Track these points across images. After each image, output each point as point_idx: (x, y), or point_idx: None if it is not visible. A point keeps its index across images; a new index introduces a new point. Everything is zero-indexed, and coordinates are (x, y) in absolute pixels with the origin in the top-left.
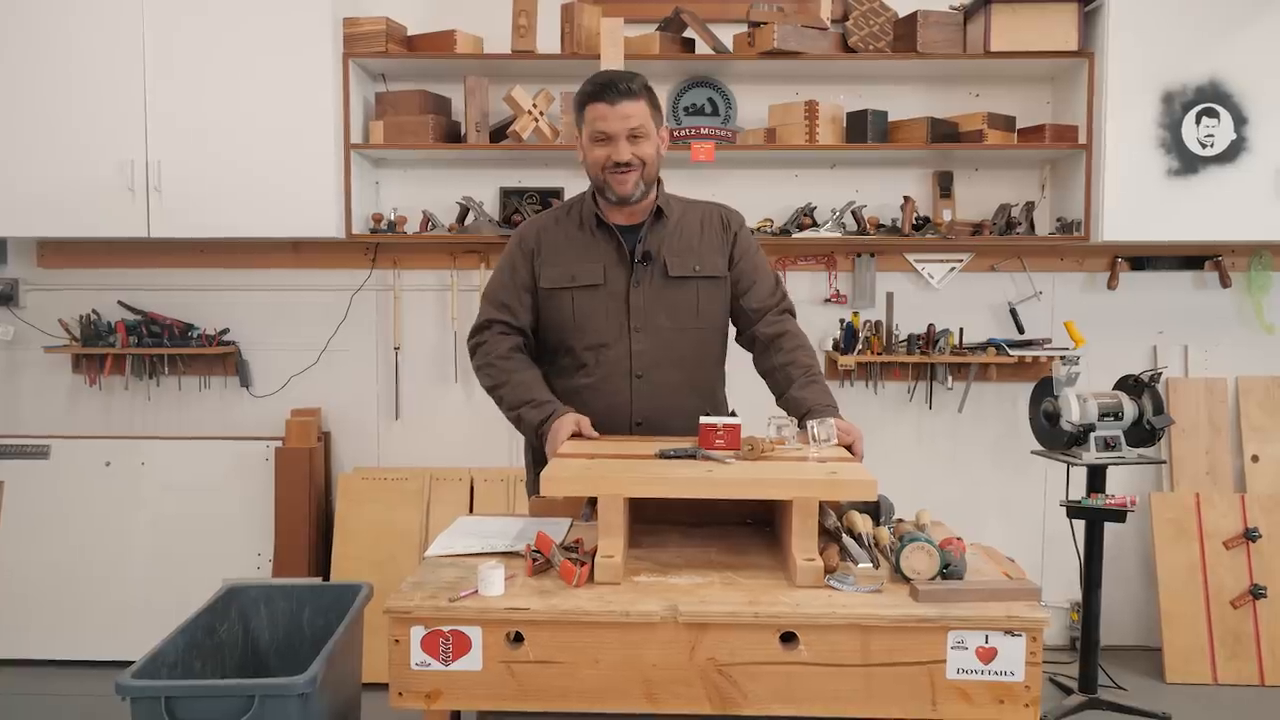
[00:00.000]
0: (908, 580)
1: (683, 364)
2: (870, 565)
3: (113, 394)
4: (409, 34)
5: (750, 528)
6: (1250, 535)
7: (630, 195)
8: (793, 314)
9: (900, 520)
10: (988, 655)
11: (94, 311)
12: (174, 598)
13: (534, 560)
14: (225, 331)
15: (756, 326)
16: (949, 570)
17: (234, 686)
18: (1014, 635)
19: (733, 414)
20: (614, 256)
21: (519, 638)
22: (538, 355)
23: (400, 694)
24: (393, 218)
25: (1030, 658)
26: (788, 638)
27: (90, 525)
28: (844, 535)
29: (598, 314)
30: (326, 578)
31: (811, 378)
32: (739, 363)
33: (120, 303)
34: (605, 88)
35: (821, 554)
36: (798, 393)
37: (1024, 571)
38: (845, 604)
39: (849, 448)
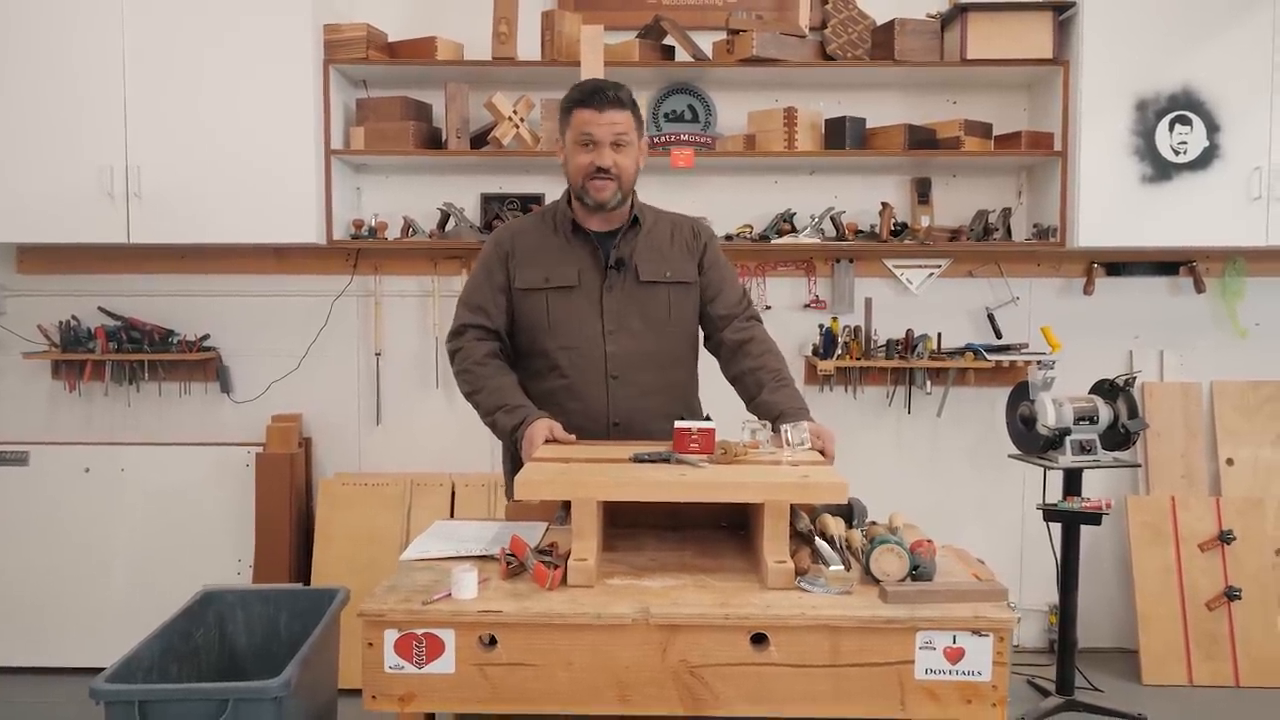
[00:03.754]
0: (877, 582)
1: (658, 365)
2: (841, 567)
3: (92, 400)
4: (390, 40)
5: (724, 531)
6: (1225, 538)
7: (608, 202)
8: (759, 320)
9: (873, 523)
10: (955, 655)
11: (73, 317)
12: (154, 604)
13: (508, 563)
14: (206, 337)
15: (724, 332)
16: (918, 572)
17: (207, 690)
18: (981, 635)
19: (707, 418)
20: (589, 261)
21: (492, 640)
22: (514, 359)
23: (374, 697)
24: (374, 223)
25: (997, 658)
26: (758, 639)
27: (70, 532)
28: (816, 538)
29: (572, 316)
30: (307, 584)
31: (781, 381)
32: (712, 368)
33: (100, 308)
34: (593, 94)
35: (793, 556)
36: (769, 396)
37: (993, 573)
38: (815, 605)
39: (821, 451)
